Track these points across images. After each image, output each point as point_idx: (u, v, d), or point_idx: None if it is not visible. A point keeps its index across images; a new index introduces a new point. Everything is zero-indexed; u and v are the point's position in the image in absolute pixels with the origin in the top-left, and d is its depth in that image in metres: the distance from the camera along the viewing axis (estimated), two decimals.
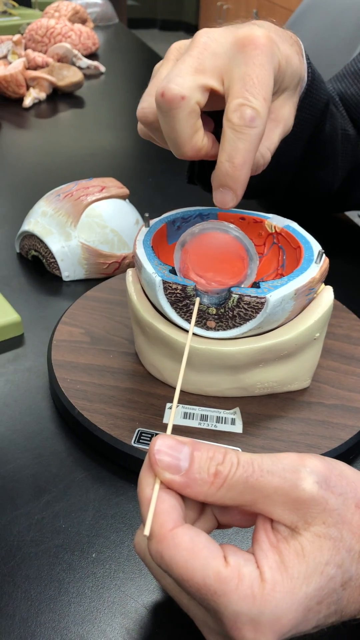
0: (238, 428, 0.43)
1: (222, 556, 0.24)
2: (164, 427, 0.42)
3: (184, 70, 0.36)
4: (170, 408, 0.44)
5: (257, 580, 0.24)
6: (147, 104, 0.39)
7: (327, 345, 0.50)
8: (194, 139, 0.37)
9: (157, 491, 0.25)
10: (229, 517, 0.28)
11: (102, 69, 1.32)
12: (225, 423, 0.43)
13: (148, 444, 0.41)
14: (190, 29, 5.39)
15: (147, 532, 0.25)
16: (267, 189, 0.65)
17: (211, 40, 0.37)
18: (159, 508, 0.25)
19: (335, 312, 0.54)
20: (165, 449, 0.26)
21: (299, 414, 0.44)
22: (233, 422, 0.43)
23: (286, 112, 0.43)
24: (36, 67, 1.21)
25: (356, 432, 0.43)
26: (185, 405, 0.44)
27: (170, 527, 0.25)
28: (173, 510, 0.25)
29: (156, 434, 0.27)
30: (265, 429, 0.43)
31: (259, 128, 0.35)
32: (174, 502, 0.25)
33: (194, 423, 0.43)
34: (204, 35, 0.37)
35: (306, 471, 0.25)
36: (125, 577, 0.36)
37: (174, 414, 0.30)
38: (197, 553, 0.24)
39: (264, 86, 0.35)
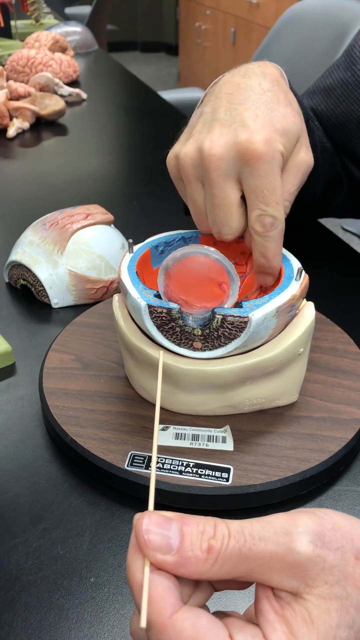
0: (229, 446, 0.44)
1: (228, 635, 0.23)
2: (157, 449, 0.43)
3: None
4: (162, 430, 0.45)
5: None
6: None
7: (313, 358, 0.51)
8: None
9: (147, 575, 0.23)
10: (225, 585, 0.27)
11: (84, 95, 1.34)
12: (216, 441, 0.44)
13: (141, 467, 0.42)
14: (170, 50, 5.47)
15: (143, 623, 0.23)
16: None
17: (219, 161, 0.42)
18: (153, 594, 0.23)
19: (320, 326, 0.55)
20: (153, 527, 0.24)
21: (288, 428, 0.45)
22: (224, 440, 0.44)
23: (302, 157, 0.46)
24: (18, 98, 1.23)
25: (345, 444, 0.44)
26: (177, 426, 0.45)
27: (169, 613, 0.23)
28: (169, 593, 0.23)
29: (143, 512, 0.25)
30: (255, 445, 0.44)
31: (279, 228, 0.43)
32: (169, 583, 0.24)
33: (185, 443, 0.44)
34: (210, 149, 0.42)
35: (298, 531, 0.24)
36: (124, 599, 0.36)
37: (156, 438, 0.30)
38: (202, 639, 0.23)
39: (274, 192, 0.42)
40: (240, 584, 0.26)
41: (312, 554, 0.24)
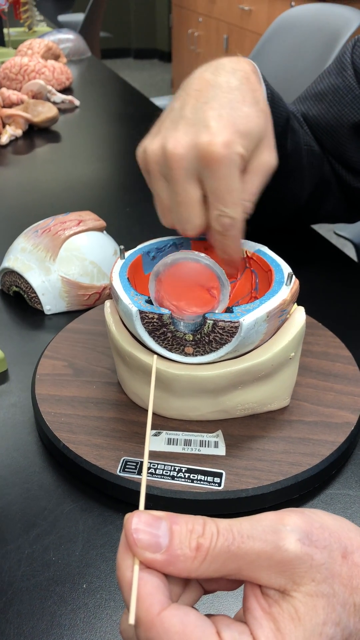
0: (221, 450, 0.44)
1: (215, 632, 0.23)
2: (148, 455, 0.43)
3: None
4: (155, 435, 0.45)
5: None
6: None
7: (305, 362, 0.52)
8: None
9: (137, 573, 0.24)
10: (215, 585, 0.27)
11: (77, 102, 1.35)
12: (208, 446, 0.44)
13: (133, 473, 0.42)
14: (163, 56, 5.49)
15: (132, 620, 0.23)
16: None
17: (181, 161, 0.43)
18: (142, 591, 0.23)
19: (311, 330, 0.56)
20: (142, 526, 0.24)
21: (280, 432, 0.45)
22: (216, 445, 0.44)
23: (264, 158, 0.47)
24: (11, 105, 1.23)
25: (336, 448, 0.44)
26: (169, 432, 0.45)
27: (157, 610, 0.23)
28: (157, 591, 0.24)
29: (133, 511, 0.25)
30: (247, 449, 0.44)
31: (237, 227, 0.44)
32: (157, 581, 0.24)
33: (177, 448, 0.44)
34: (173, 148, 0.43)
35: (286, 530, 0.24)
36: (116, 605, 0.36)
37: (148, 444, 0.30)
38: (189, 635, 0.23)
39: (232, 193, 0.43)
40: (229, 584, 0.27)
41: (300, 552, 0.24)
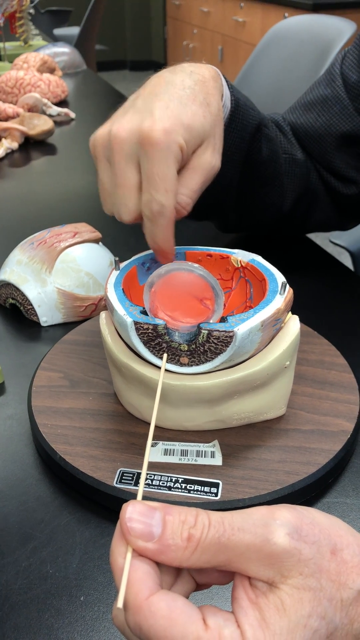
0: (218, 460, 0.44)
1: (201, 619, 0.24)
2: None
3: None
4: (152, 446, 0.45)
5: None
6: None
7: (301, 371, 0.52)
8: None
9: (129, 559, 0.25)
10: (207, 577, 0.28)
11: (72, 115, 1.36)
12: (205, 457, 0.44)
13: (130, 484, 0.42)
14: (159, 68, 5.52)
15: (120, 603, 0.24)
16: (214, 211, 0.69)
17: (122, 143, 0.44)
18: (132, 577, 0.24)
19: (307, 339, 0.56)
20: (136, 516, 0.25)
21: (277, 441, 0.45)
22: (213, 455, 0.44)
23: (206, 157, 0.48)
24: (7, 118, 1.24)
25: (333, 456, 0.44)
26: (166, 442, 0.45)
27: (146, 595, 0.24)
28: (147, 577, 0.24)
29: (128, 501, 0.26)
30: (244, 459, 0.44)
31: (166, 216, 0.44)
32: (148, 568, 0.25)
33: (174, 459, 0.44)
34: (116, 131, 0.45)
35: (276, 524, 0.25)
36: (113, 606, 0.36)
37: (147, 454, 0.30)
38: (175, 620, 0.23)
39: (165, 180, 0.43)
40: (221, 578, 0.28)
41: (289, 546, 0.25)
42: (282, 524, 0.25)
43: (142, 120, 0.44)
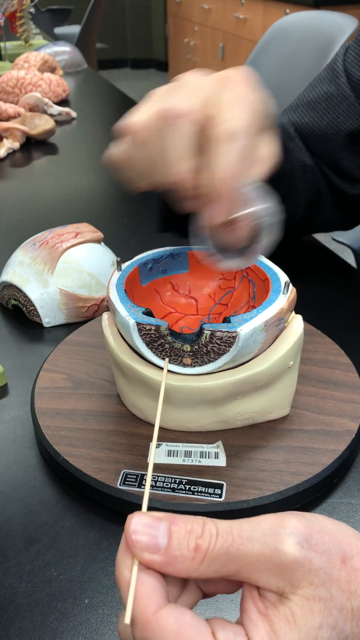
0: (222, 461, 0.43)
1: (210, 633, 0.24)
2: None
3: (179, 97, 0.40)
4: (155, 447, 0.45)
5: None
6: (138, 118, 0.41)
7: (305, 370, 0.51)
8: (185, 160, 0.39)
9: (135, 574, 0.24)
10: (214, 587, 0.27)
11: (74, 114, 1.35)
12: (209, 457, 0.44)
13: (134, 486, 0.41)
14: (160, 66, 5.52)
15: (127, 619, 0.23)
16: None
17: (196, 79, 0.42)
18: (139, 591, 0.24)
19: (311, 338, 0.56)
20: (141, 528, 0.25)
21: (281, 442, 0.45)
22: (216, 455, 0.44)
23: (265, 152, 0.44)
24: (8, 118, 1.23)
25: (337, 456, 0.43)
26: (169, 443, 0.45)
27: (154, 610, 0.24)
28: (154, 591, 0.24)
29: (134, 512, 0.25)
30: (248, 460, 0.43)
31: (242, 141, 0.39)
32: (155, 582, 0.24)
33: (178, 460, 0.44)
34: (187, 76, 0.42)
35: (286, 533, 0.24)
36: (118, 621, 0.36)
37: (153, 456, 0.30)
38: (184, 635, 0.23)
39: (247, 108, 0.40)
40: (228, 587, 0.27)
41: (299, 556, 0.24)
42: (291, 532, 0.25)
43: (216, 73, 0.42)
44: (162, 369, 0.43)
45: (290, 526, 0.25)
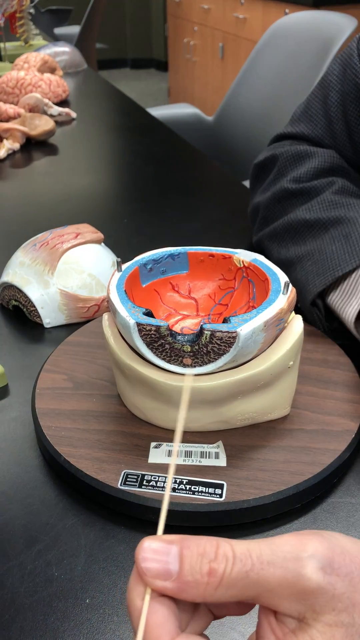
0: (222, 461, 0.44)
1: None
2: (149, 467, 0.43)
3: None
4: (156, 447, 0.45)
5: None
6: None
7: (305, 370, 0.52)
8: None
9: (147, 603, 0.23)
10: (225, 610, 0.26)
11: (74, 115, 1.35)
12: (209, 457, 0.44)
13: (135, 486, 0.42)
14: (160, 66, 5.52)
15: None
16: None
17: None
18: (151, 620, 0.23)
19: (311, 338, 0.56)
20: (151, 554, 0.23)
21: (281, 442, 0.45)
22: (217, 455, 0.44)
23: None
24: (8, 119, 1.24)
25: (337, 456, 0.44)
26: (170, 443, 0.45)
27: None
28: (167, 621, 0.23)
29: (145, 537, 0.24)
30: (248, 460, 0.44)
31: None
32: (167, 611, 0.23)
33: (178, 460, 0.44)
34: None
35: (308, 557, 0.23)
36: (119, 620, 0.36)
37: (173, 466, 0.26)
38: None
39: None
40: (240, 609, 0.26)
41: (323, 582, 0.23)
42: (313, 556, 0.23)
43: None
44: (162, 369, 0.43)
45: (311, 549, 0.24)
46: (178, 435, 0.27)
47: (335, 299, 0.55)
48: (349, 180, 0.66)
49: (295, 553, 0.23)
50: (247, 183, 0.82)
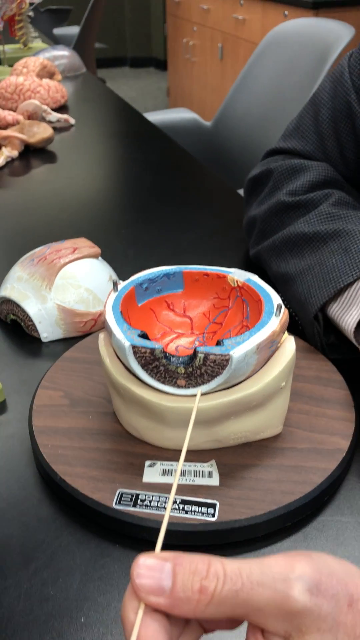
0: (215, 480, 0.44)
1: None
2: (143, 487, 0.44)
3: None
4: (150, 466, 0.46)
5: None
6: None
7: (298, 388, 0.52)
8: None
9: (140, 617, 0.25)
10: (215, 625, 0.27)
11: (72, 121, 1.36)
12: (202, 476, 0.45)
13: (129, 506, 0.42)
14: (159, 65, 5.52)
15: None
16: None
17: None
18: (143, 634, 0.24)
19: (304, 354, 0.57)
20: (144, 571, 0.25)
21: (273, 460, 0.46)
22: (210, 474, 0.45)
23: None
24: (7, 126, 1.24)
25: (328, 475, 0.44)
26: (164, 462, 0.46)
27: None
28: (158, 635, 0.24)
29: (141, 553, 0.25)
30: (241, 479, 0.44)
31: None
32: (158, 626, 0.25)
33: (172, 479, 0.45)
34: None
35: (295, 579, 0.25)
36: (113, 639, 0.37)
37: (175, 485, 0.28)
38: None
39: None
40: (229, 624, 0.27)
41: (309, 603, 0.24)
42: (301, 577, 0.25)
43: None
44: (157, 390, 0.44)
45: (299, 571, 0.25)
46: (183, 455, 0.29)
47: (335, 310, 0.55)
48: (344, 192, 0.66)
49: (284, 574, 0.25)
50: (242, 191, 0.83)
